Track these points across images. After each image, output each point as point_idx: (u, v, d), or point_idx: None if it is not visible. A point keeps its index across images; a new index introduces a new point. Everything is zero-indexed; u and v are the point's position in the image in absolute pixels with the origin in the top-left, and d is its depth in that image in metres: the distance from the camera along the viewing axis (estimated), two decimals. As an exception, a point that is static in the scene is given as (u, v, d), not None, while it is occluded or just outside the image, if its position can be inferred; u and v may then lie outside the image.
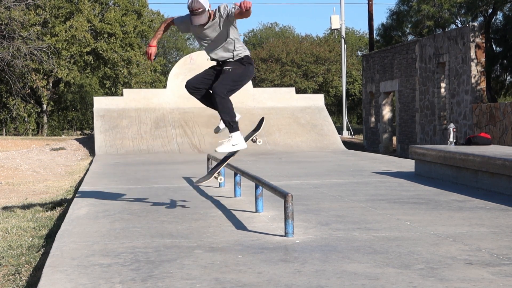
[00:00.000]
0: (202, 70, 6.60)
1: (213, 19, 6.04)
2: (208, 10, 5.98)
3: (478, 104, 17.72)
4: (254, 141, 6.62)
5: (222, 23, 6.05)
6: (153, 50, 6.38)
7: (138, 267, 4.29)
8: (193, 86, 6.38)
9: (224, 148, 6.24)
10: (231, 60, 6.23)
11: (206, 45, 6.24)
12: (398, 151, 22.32)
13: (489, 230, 5.50)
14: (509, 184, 7.47)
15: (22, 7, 32.97)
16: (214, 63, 6.42)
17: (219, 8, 6.06)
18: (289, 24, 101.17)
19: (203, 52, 21.19)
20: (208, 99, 6.42)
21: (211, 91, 6.28)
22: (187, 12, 6.07)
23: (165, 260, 4.46)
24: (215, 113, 6.37)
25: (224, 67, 6.22)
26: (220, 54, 6.23)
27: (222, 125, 6.46)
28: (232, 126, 6.22)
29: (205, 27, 6.09)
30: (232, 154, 6.46)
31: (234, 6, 5.99)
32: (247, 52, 6.29)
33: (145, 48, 40.25)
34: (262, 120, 6.72)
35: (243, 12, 5.77)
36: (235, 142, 6.23)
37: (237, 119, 6.34)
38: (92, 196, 7.91)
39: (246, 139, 6.49)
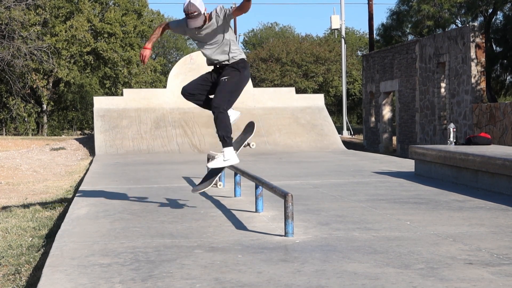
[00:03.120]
0: (202, 71, 6.59)
1: (210, 20, 6.04)
2: (204, 13, 5.99)
3: (478, 104, 17.71)
4: (246, 146, 6.57)
5: (218, 24, 6.05)
6: (147, 53, 6.31)
7: (138, 267, 4.29)
8: (188, 93, 6.38)
9: (215, 164, 6.27)
10: (227, 63, 6.19)
11: (202, 48, 6.26)
12: (398, 151, 22.31)
13: (489, 230, 5.50)
14: (509, 184, 7.47)
15: (22, 7, 32.94)
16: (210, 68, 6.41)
17: (216, 9, 6.06)
18: (289, 24, 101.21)
19: (203, 52, 21.30)
20: (207, 104, 6.40)
21: (210, 96, 6.32)
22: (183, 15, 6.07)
23: (165, 260, 4.46)
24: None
25: (221, 78, 6.16)
26: (216, 57, 6.20)
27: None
28: (226, 141, 6.17)
29: (201, 30, 6.10)
30: (222, 168, 6.50)
31: (232, 6, 6.07)
32: (243, 56, 6.28)
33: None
34: (251, 125, 6.65)
35: (244, 4, 5.76)
36: (227, 157, 6.22)
37: (236, 117, 6.37)
38: (92, 196, 7.91)
39: (238, 145, 6.47)
